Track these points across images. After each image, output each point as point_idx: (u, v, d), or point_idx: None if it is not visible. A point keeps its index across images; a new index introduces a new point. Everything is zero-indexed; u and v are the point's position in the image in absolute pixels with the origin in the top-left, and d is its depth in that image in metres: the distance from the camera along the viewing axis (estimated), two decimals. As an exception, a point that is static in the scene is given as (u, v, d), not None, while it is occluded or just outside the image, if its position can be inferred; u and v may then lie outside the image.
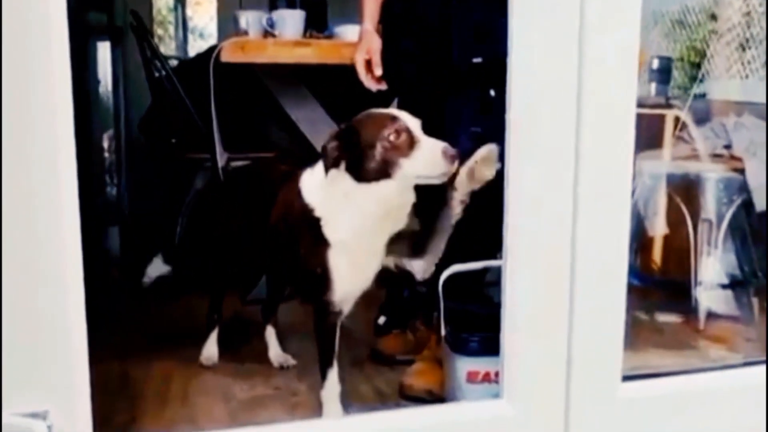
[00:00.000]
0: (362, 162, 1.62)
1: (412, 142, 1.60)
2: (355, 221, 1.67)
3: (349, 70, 2.17)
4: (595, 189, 1.42)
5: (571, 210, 1.41)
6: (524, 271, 1.42)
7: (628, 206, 1.47)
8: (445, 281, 1.85)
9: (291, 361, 2.18)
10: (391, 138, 1.59)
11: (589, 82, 1.38)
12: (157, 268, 2.30)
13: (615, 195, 1.44)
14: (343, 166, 1.64)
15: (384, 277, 1.82)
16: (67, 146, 1.15)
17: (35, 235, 1.14)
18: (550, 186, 1.40)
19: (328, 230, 1.71)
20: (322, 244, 1.71)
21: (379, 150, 1.60)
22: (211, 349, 2.20)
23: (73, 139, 1.16)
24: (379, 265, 1.77)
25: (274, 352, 2.22)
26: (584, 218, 1.41)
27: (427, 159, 1.58)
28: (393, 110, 1.66)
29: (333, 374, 1.77)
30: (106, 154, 4.30)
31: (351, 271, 1.73)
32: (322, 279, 1.72)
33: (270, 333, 2.24)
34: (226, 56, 2.45)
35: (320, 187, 1.72)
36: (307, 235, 1.72)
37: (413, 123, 1.63)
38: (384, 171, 1.61)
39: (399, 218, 1.73)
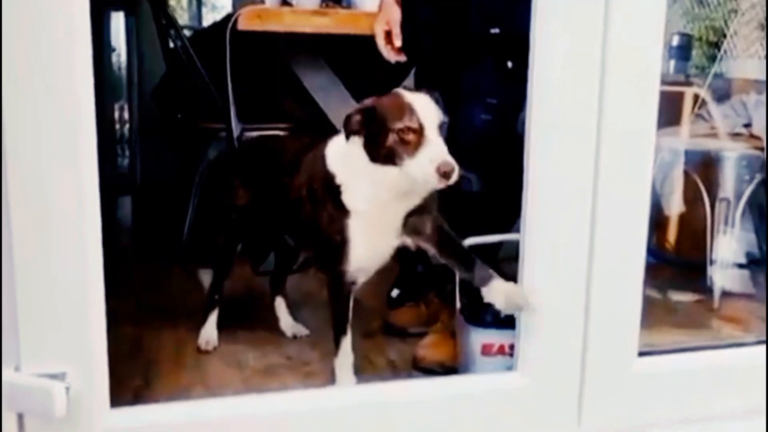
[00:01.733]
0: (375, 144, 1.62)
1: (419, 143, 1.57)
2: (370, 192, 1.68)
3: (367, 40, 2.15)
4: (616, 166, 1.41)
5: (592, 186, 1.41)
6: (542, 246, 1.42)
7: (649, 184, 1.47)
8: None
9: (304, 330, 2.18)
10: (402, 132, 1.58)
11: (614, 57, 1.37)
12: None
13: (636, 173, 1.44)
14: (361, 139, 1.65)
15: (399, 252, 1.81)
16: (87, 116, 1.15)
17: (54, 202, 1.15)
18: (571, 162, 1.40)
19: (347, 198, 1.71)
20: (343, 211, 1.72)
21: (390, 139, 1.60)
22: (210, 333, 2.10)
23: (93, 109, 1.16)
24: (396, 242, 1.76)
25: (285, 322, 2.21)
26: (604, 195, 1.41)
27: (423, 167, 1.56)
28: (417, 98, 1.62)
29: (346, 343, 1.77)
30: (117, 125, 4.31)
31: (368, 243, 1.73)
32: (340, 248, 1.73)
33: (280, 304, 2.24)
34: (243, 24, 2.43)
35: (342, 155, 1.73)
36: (329, 202, 1.73)
37: (431, 119, 1.59)
38: (391, 159, 1.61)
39: (414, 198, 1.72)
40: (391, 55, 2.11)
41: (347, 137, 1.65)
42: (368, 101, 1.66)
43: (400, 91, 1.65)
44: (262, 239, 2.26)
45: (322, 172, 1.75)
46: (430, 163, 1.55)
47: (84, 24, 1.13)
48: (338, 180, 1.72)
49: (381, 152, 1.61)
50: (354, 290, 1.78)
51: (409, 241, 1.76)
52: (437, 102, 1.65)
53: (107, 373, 1.24)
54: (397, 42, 2.08)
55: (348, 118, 1.65)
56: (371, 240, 1.73)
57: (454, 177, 1.55)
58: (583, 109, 1.39)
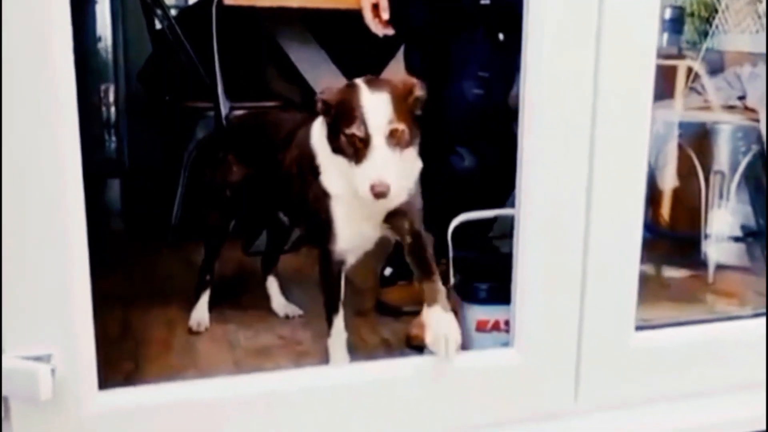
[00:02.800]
0: (333, 136, 1.61)
1: (364, 153, 1.53)
2: (341, 179, 1.64)
3: (355, 15, 2.11)
4: (612, 140, 1.39)
5: (587, 160, 1.38)
6: (537, 220, 1.40)
7: (645, 159, 1.45)
8: (452, 231, 1.82)
9: (297, 311, 2.15)
10: (350, 138, 1.55)
11: (609, 29, 1.34)
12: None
13: (632, 147, 1.42)
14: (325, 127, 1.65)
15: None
16: (67, 98, 1.13)
17: (38, 185, 1.12)
18: (566, 136, 1.37)
19: (325, 179, 1.69)
20: (325, 193, 1.69)
21: (341, 140, 1.57)
22: (201, 314, 2.07)
23: (74, 91, 1.14)
24: (378, 231, 1.73)
25: (278, 302, 2.19)
26: (600, 169, 1.39)
27: (360, 181, 1.53)
28: (372, 101, 1.55)
29: (339, 321, 1.75)
30: (104, 108, 4.26)
31: (352, 226, 1.71)
32: (327, 227, 1.70)
33: (272, 283, 2.21)
34: (229, -1, 2.39)
35: (322, 135, 1.69)
36: (314, 181, 1.70)
37: (381, 128, 1.53)
38: (344, 155, 1.58)
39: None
40: (378, 29, 2.06)
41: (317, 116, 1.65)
42: (327, 93, 1.63)
43: (360, 86, 1.58)
44: (256, 217, 2.22)
45: (307, 150, 1.72)
46: (366, 180, 1.51)
47: (64, 7, 1.10)
48: (318, 160, 1.69)
49: (336, 146, 1.60)
50: (344, 269, 1.76)
51: (389, 234, 1.74)
52: (409, 93, 1.59)
53: (94, 354, 1.21)
54: (385, 15, 2.03)
55: (315, 100, 1.63)
56: (355, 224, 1.70)
57: (392, 196, 1.53)
58: (578, 83, 1.36)
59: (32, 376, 1.09)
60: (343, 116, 1.56)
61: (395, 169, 1.54)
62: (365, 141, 1.53)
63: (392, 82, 1.63)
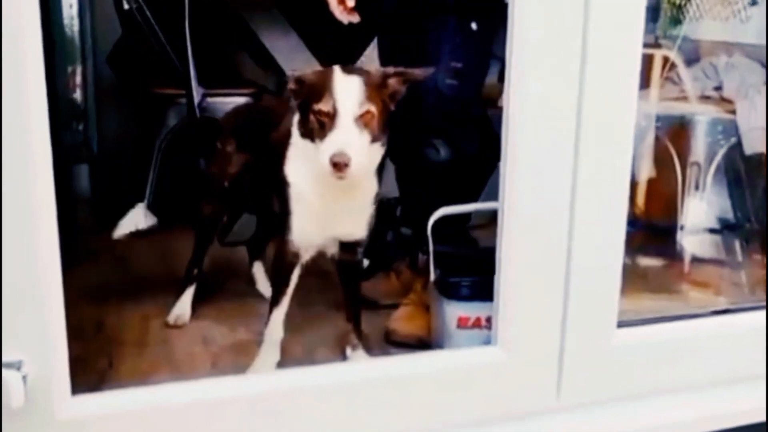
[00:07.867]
0: (302, 117, 1.60)
1: (330, 128, 1.51)
2: (305, 168, 1.64)
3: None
4: (597, 133, 1.37)
5: (572, 154, 1.37)
6: (521, 216, 1.38)
7: (630, 153, 1.43)
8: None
9: None
10: (317, 114, 1.54)
11: (595, 22, 1.32)
12: (135, 220, 2.13)
13: (616, 141, 1.40)
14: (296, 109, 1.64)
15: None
16: (36, 82, 1.07)
17: (3, 178, 1.06)
18: (550, 131, 1.35)
19: (288, 168, 1.69)
20: (285, 180, 1.70)
21: (310, 118, 1.56)
22: (183, 308, 2.04)
23: (42, 73, 1.08)
24: (335, 233, 1.75)
25: (263, 285, 2.18)
26: (584, 162, 1.37)
27: (321, 154, 1.51)
28: (344, 81, 1.55)
29: (278, 315, 1.75)
30: (71, 91, 4.16)
31: (309, 219, 1.69)
32: (283, 216, 1.71)
33: (258, 268, 2.22)
34: (202, -17, 2.33)
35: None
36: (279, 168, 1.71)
37: (349, 107, 1.52)
38: (311, 137, 1.57)
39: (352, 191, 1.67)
40: (343, 16, 1.95)
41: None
42: (299, 72, 1.62)
43: (334, 69, 1.58)
44: (249, 206, 2.17)
45: (286, 133, 1.71)
46: (327, 152, 1.49)
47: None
48: (289, 144, 1.69)
49: (305, 129, 1.59)
50: (299, 264, 1.74)
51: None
52: (384, 79, 1.58)
53: (67, 358, 1.17)
54: (350, 1, 1.93)
55: (285, 80, 1.63)
56: (312, 217, 1.69)
57: (350, 171, 1.47)
58: (563, 78, 1.34)
59: (4, 384, 1.05)
60: (314, 95, 1.54)
61: (360, 150, 1.50)
62: (332, 116, 1.51)
63: (368, 70, 1.62)
